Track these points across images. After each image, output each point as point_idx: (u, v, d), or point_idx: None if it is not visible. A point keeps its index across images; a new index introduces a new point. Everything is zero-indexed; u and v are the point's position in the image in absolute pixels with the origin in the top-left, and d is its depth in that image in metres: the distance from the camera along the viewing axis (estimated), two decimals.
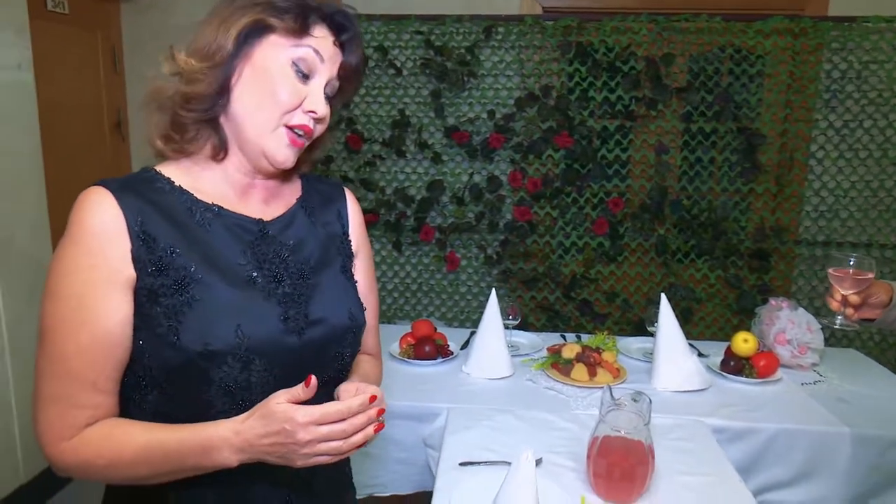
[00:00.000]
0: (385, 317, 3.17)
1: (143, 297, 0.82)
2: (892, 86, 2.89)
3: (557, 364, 1.93)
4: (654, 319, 2.03)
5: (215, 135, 0.88)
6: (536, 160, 3.00)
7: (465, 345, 2.17)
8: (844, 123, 2.94)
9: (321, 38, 0.88)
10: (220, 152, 0.89)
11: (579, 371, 1.88)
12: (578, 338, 2.21)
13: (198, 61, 0.85)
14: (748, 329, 2.08)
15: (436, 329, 2.11)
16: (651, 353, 2.02)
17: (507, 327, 2.02)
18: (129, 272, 0.81)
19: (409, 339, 2.06)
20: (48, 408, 0.81)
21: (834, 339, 2.90)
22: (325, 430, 0.78)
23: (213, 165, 0.90)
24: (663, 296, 1.94)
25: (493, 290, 2.01)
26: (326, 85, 0.90)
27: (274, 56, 0.86)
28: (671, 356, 1.87)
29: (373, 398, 0.81)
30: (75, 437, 0.81)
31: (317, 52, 0.88)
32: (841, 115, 2.94)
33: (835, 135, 2.96)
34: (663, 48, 2.89)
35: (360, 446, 0.82)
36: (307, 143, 0.92)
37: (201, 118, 0.86)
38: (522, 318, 2.15)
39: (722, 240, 2.98)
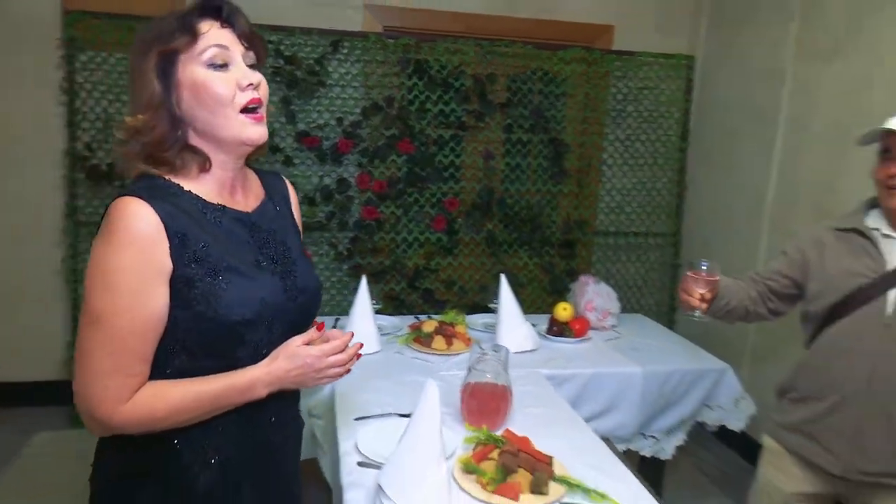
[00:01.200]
0: None
1: (181, 283, 0.99)
2: (660, 107, 3.65)
3: (419, 338, 2.27)
4: (494, 297, 2.46)
5: (195, 155, 1.06)
6: (382, 164, 3.31)
7: (333, 328, 2.42)
8: (627, 136, 3.65)
9: (210, 30, 1.03)
10: (205, 165, 1.07)
11: (439, 342, 2.23)
12: (430, 317, 2.57)
13: (144, 113, 1.02)
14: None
15: None
16: (492, 325, 2.45)
17: None
18: (169, 265, 0.99)
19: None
20: (107, 380, 0.97)
21: (624, 307, 3.58)
22: (331, 359, 1.08)
23: (205, 174, 1.08)
24: (503, 276, 2.37)
25: (364, 278, 2.29)
26: (244, 59, 1.07)
27: (191, 70, 1.02)
28: (511, 325, 2.30)
29: (350, 334, 1.12)
30: (130, 400, 0.98)
31: (217, 45, 1.03)
32: (624, 129, 3.65)
33: (620, 145, 3.66)
34: (487, 69, 3.36)
35: (348, 371, 1.14)
36: (265, 113, 1.09)
37: (179, 149, 1.04)
38: None
39: (538, 232, 3.53)
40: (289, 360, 1.06)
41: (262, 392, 1.05)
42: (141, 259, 0.96)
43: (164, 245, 0.98)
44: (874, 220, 1.61)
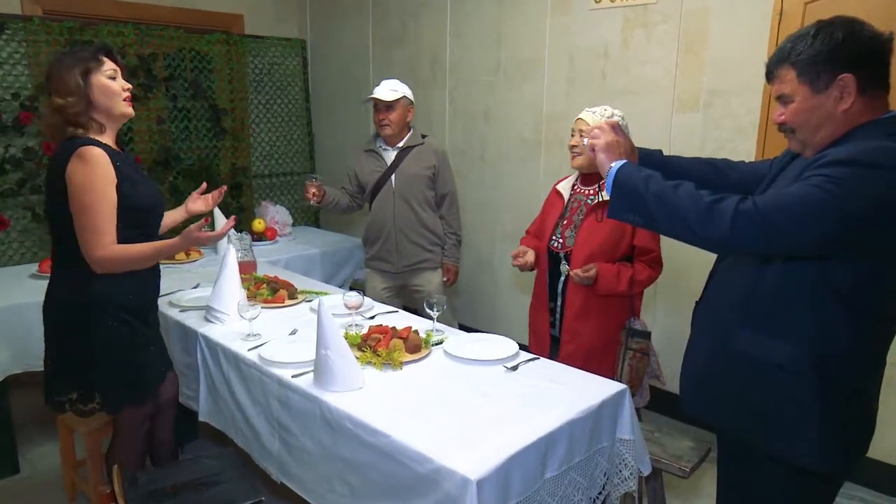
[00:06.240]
0: None
1: (120, 187, 1.86)
2: (287, 78, 4.87)
3: None
4: (216, 226, 3.43)
5: (97, 123, 1.91)
6: None
7: None
8: (266, 100, 4.79)
9: (107, 60, 1.94)
10: (102, 129, 1.92)
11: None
12: None
13: (69, 97, 1.85)
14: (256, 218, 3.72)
15: None
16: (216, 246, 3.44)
17: None
18: (114, 178, 1.84)
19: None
20: (101, 237, 1.81)
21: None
22: (200, 233, 2.05)
23: (103, 134, 1.92)
24: (216, 209, 3.35)
25: None
26: (120, 73, 1.98)
27: (101, 79, 1.90)
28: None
29: (205, 220, 2.11)
30: (110, 247, 1.83)
31: (111, 68, 1.94)
32: (264, 96, 4.78)
33: (262, 108, 4.78)
34: (148, 49, 4.07)
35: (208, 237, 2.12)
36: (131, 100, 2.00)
37: (89, 118, 1.88)
38: None
39: (211, 180, 4.45)
40: (186, 236, 2.02)
41: (181, 249, 2.04)
42: (107, 173, 1.84)
43: (111, 168, 1.86)
44: (380, 143, 3.20)
